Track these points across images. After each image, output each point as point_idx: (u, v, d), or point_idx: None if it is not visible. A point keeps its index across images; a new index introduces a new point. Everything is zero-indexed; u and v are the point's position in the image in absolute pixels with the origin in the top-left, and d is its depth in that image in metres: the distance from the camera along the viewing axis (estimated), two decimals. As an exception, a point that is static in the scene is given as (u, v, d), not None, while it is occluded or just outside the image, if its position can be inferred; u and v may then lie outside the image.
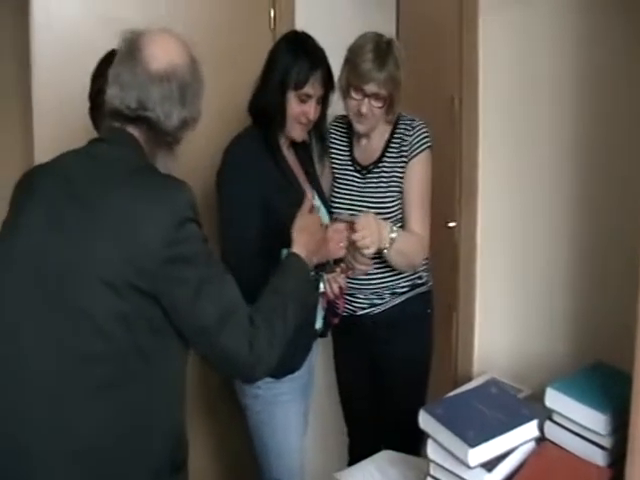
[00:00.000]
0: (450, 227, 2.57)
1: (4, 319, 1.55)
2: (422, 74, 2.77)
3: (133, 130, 1.63)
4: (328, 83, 2.21)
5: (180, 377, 1.65)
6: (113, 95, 1.62)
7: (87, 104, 2.18)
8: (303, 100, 2.17)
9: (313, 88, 2.16)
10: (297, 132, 2.23)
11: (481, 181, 2.19)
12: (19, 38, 2.52)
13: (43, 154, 2.45)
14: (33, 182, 1.65)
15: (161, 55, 1.61)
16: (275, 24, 2.85)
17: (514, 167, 2.11)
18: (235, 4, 2.77)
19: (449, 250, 2.46)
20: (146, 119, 1.61)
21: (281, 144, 2.24)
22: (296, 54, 2.16)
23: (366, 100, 2.27)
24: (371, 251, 2.15)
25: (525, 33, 2.06)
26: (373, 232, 2.13)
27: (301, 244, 1.86)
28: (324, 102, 2.25)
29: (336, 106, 2.37)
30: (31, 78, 2.48)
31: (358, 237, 2.12)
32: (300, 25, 2.82)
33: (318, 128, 2.30)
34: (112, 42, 2.48)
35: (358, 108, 2.29)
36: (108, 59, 2.09)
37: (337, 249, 2.11)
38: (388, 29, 3.11)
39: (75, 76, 2.49)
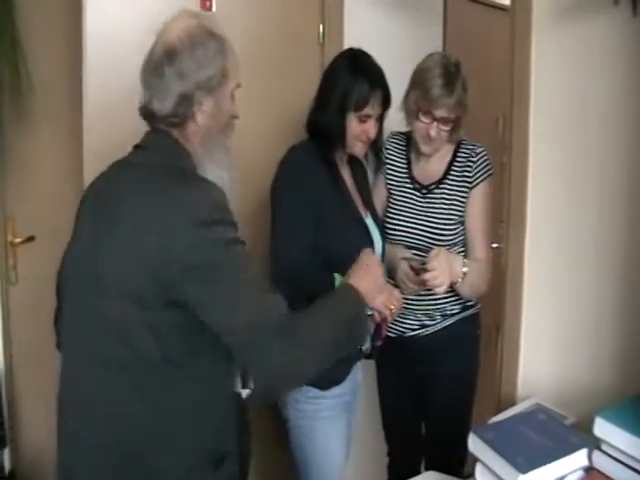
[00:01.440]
0: (493, 248, 2.57)
1: (64, 327, 1.69)
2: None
3: (163, 129, 1.65)
4: (387, 102, 2.22)
5: (217, 376, 1.64)
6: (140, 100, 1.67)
7: (138, 114, 2.20)
8: (363, 120, 2.18)
9: (373, 109, 2.18)
10: (358, 149, 2.25)
11: (530, 204, 2.17)
12: (71, 49, 2.57)
13: (92, 159, 2.52)
14: (85, 194, 1.72)
15: (158, 43, 1.63)
16: (324, 39, 2.87)
17: (565, 191, 2.09)
18: (285, 18, 2.80)
19: (495, 272, 2.45)
20: (152, 113, 1.63)
21: (337, 159, 2.26)
22: (355, 75, 2.17)
23: (435, 124, 2.29)
24: (443, 289, 2.16)
25: (578, 57, 2.04)
26: (444, 271, 2.14)
27: (361, 286, 1.76)
28: (382, 118, 2.26)
29: (390, 122, 2.38)
30: (82, 85, 2.50)
31: (429, 277, 2.13)
32: (348, 41, 2.85)
33: (375, 143, 2.31)
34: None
35: (427, 131, 2.31)
36: None
37: (389, 304, 2.00)
38: (435, 46, 3.14)
39: (125, 81, 2.53)
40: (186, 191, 1.51)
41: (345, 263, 1.86)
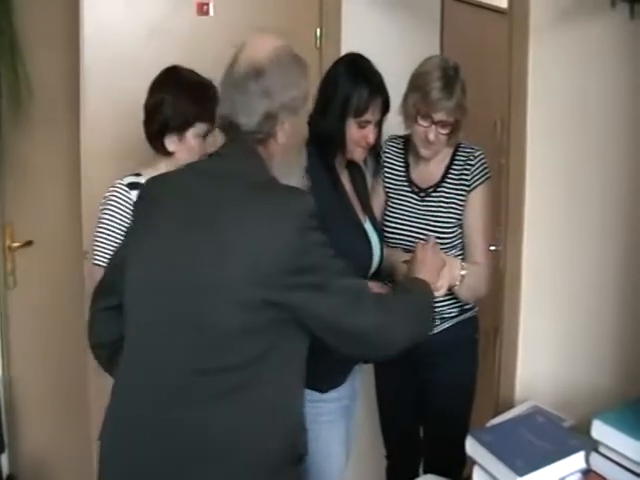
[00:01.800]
0: (492, 250, 2.57)
1: (139, 331, 1.64)
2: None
3: (247, 141, 1.67)
4: (386, 107, 2.22)
5: (301, 374, 1.67)
6: (218, 111, 1.70)
7: (135, 113, 2.22)
8: (362, 126, 2.18)
9: (372, 115, 2.18)
10: (358, 154, 2.25)
11: (528, 207, 2.18)
12: (69, 50, 2.57)
13: (90, 163, 2.52)
14: (159, 195, 1.70)
15: (243, 59, 1.66)
16: (321, 43, 2.88)
17: (562, 194, 2.10)
18: (281, 22, 2.80)
19: (494, 275, 2.45)
20: (236, 126, 1.65)
21: (337, 164, 2.25)
22: (355, 81, 2.16)
23: (433, 127, 2.29)
24: (442, 292, 2.16)
25: (576, 59, 2.05)
26: (444, 274, 2.14)
27: (429, 272, 1.98)
28: (380, 122, 2.26)
29: (389, 125, 2.38)
30: (80, 87, 2.51)
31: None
32: (346, 44, 2.85)
33: (374, 147, 2.30)
34: (159, 55, 2.56)
35: (426, 135, 2.31)
36: (167, 73, 2.19)
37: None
38: (432, 50, 3.13)
39: (122, 85, 2.55)
40: (287, 198, 1.58)
41: None
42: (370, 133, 2.20)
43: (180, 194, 1.66)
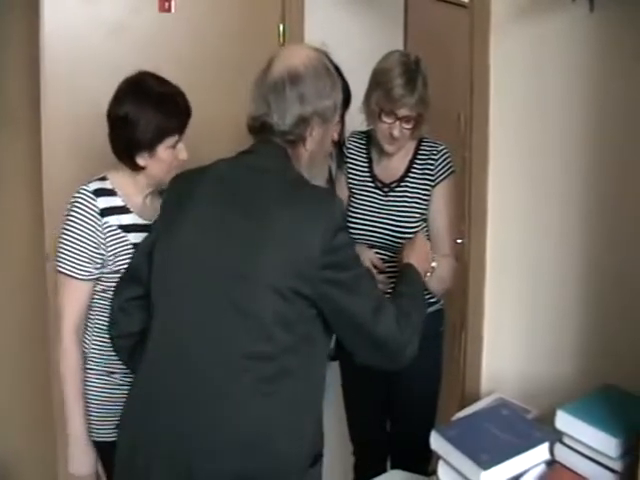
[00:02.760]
0: (458, 244, 2.58)
1: (173, 315, 1.68)
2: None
3: (278, 142, 1.74)
4: (348, 101, 2.21)
5: (323, 373, 1.75)
6: (249, 111, 1.77)
7: (97, 112, 2.18)
8: None
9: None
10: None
11: (491, 200, 2.18)
12: (29, 50, 2.54)
13: (52, 163, 2.49)
14: (191, 186, 1.76)
15: (279, 64, 1.74)
16: (284, 39, 2.87)
17: (525, 187, 2.10)
18: (245, 18, 2.78)
19: (458, 268, 2.45)
20: (269, 126, 1.72)
21: None
22: None
23: (397, 123, 2.29)
24: None
25: (537, 53, 2.05)
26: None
27: (418, 259, 2.07)
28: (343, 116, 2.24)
29: (353, 123, 2.37)
30: (40, 87, 2.48)
31: None
32: (309, 40, 2.84)
33: (337, 140, 2.29)
34: (121, 53, 2.53)
35: (390, 131, 2.31)
36: (133, 83, 2.08)
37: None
38: (396, 45, 3.14)
39: (84, 84, 2.52)
40: (324, 197, 1.69)
41: None
42: (335, 131, 2.19)
43: (218, 183, 1.73)
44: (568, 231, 1.99)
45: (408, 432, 2.43)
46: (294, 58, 1.74)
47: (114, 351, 1.94)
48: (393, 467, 2.38)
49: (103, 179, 2.11)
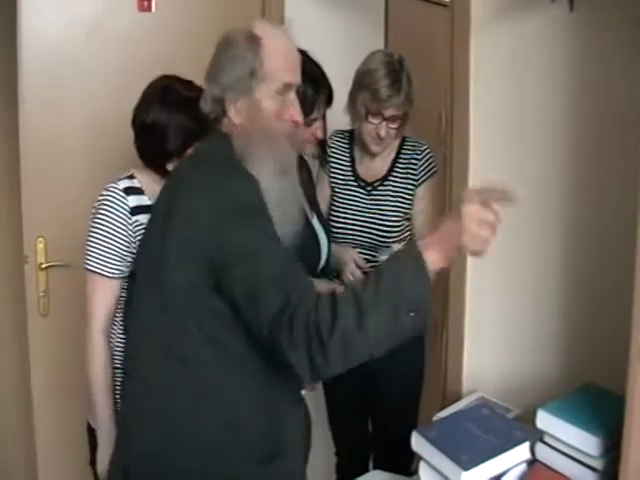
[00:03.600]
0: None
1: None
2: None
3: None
4: (330, 100, 2.19)
5: (263, 374, 1.61)
6: None
7: (76, 112, 2.15)
8: (309, 124, 2.14)
9: (318, 112, 2.15)
10: (309, 149, 2.22)
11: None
12: (6, 51, 2.52)
13: (30, 165, 2.47)
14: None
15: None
16: (265, 38, 2.85)
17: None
18: (225, 19, 2.76)
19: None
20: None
21: None
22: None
23: (384, 123, 2.28)
24: None
25: (517, 52, 2.05)
26: None
27: (447, 245, 1.44)
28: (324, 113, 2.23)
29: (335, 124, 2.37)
30: (18, 87, 2.45)
31: None
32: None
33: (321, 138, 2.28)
34: (100, 53, 2.51)
35: (376, 131, 2.29)
36: (160, 88, 2.04)
37: None
38: (377, 44, 3.13)
39: (62, 84, 2.50)
40: (227, 181, 1.54)
41: None
42: (318, 129, 2.18)
43: (167, 183, 1.74)
44: (549, 229, 1.99)
45: (390, 432, 2.43)
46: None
47: None
48: (375, 467, 2.38)
49: (131, 177, 2.06)
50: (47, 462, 2.63)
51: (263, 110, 1.65)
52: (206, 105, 1.69)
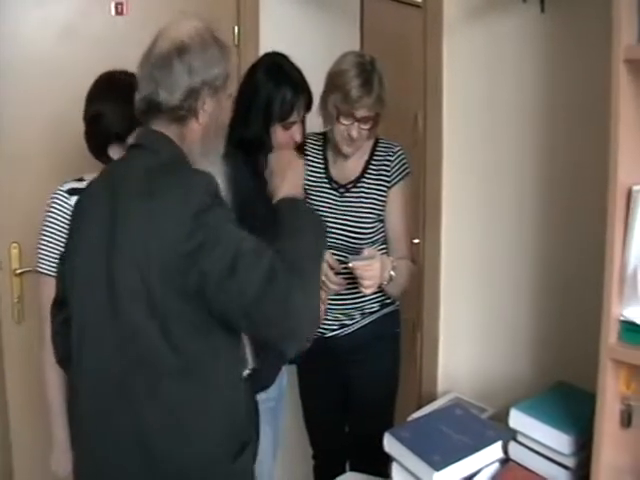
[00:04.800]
0: (415, 243, 2.57)
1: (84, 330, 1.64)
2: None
3: (158, 124, 1.64)
4: (310, 104, 2.22)
5: (231, 367, 1.65)
6: (136, 98, 1.66)
7: (51, 114, 2.14)
8: (288, 128, 2.16)
9: (298, 115, 2.17)
10: None
11: (445, 200, 2.19)
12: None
13: (2, 169, 2.45)
14: (86, 199, 1.72)
15: (164, 40, 1.63)
16: (239, 41, 2.84)
17: (479, 187, 2.11)
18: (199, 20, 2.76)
19: (415, 269, 2.45)
20: (157, 104, 1.61)
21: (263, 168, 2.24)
22: (278, 84, 2.14)
23: (356, 124, 2.27)
24: (369, 292, 2.18)
25: (489, 52, 2.06)
26: (375, 275, 2.14)
27: (290, 183, 1.80)
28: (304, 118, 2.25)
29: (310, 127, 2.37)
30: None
31: (367, 276, 2.14)
32: (265, 42, 2.82)
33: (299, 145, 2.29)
34: (74, 53, 2.50)
35: (348, 132, 2.29)
36: (103, 82, 2.09)
37: None
38: (352, 46, 3.13)
39: (37, 87, 2.48)
40: (182, 182, 1.52)
41: None
42: (297, 132, 2.19)
43: (101, 192, 1.65)
44: (521, 230, 2.00)
45: (366, 434, 2.42)
46: (180, 30, 1.64)
47: (65, 373, 1.91)
48: (352, 469, 2.37)
49: (80, 180, 2.09)
50: (23, 465, 2.61)
51: (222, 113, 1.71)
52: (173, 96, 1.60)
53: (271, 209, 2.09)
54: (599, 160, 1.40)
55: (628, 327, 1.37)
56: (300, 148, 2.30)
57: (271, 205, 2.03)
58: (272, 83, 2.15)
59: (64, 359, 1.79)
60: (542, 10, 1.90)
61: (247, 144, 2.13)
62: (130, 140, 1.76)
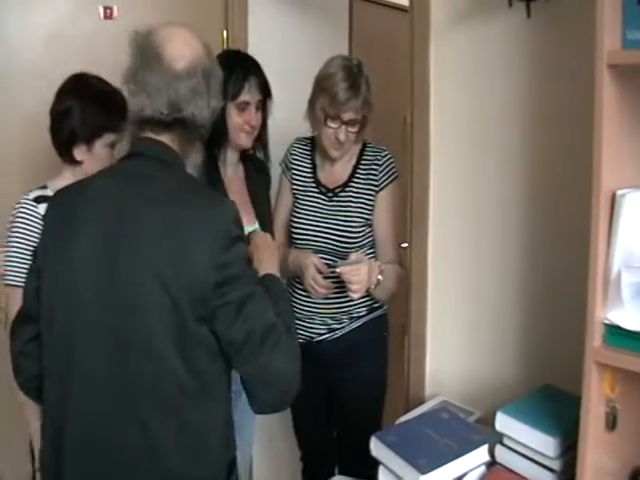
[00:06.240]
0: (403, 248, 2.58)
1: (73, 348, 1.53)
2: (374, 94, 2.78)
3: (166, 137, 1.60)
4: (265, 89, 2.25)
5: (227, 393, 1.63)
6: (141, 104, 1.57)
7: (37, 119, 2.12)
8: (242, 108, 2.21)
9: (250, 94, 2.21)
10: (243, 140, 2.26)
11: (432, 204, 2.19)
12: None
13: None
14: (77, 205, 1.60)
15: (183, 50, 1.58)
16: (228, 45, 2.84)
17: (466, 191, 2.11)
18: (190, 24, 2.75)
19: (404, 273, 2.46)
20: (180, 120, 1.57)
21: (223, 159, 2.27)
22: (231, 67, 2.17)
23: (343, 127, 2.28)
24: (357, 296, 2.18)
25: (476, 57, 2.07)
26: (363, 279, 2.14)
27: (269, 261, 1.81)
28: (263, 109, 2.27)
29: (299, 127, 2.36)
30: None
31: (355, 281, 2.17)
32: (253, 46, 2.82)
33: (260, 137, 2.32)
34: (60, 57, 2.50)
35: (335, 136, 2.30)
36: (75, 80, 2.11)
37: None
38: (340, 49, 3.13)
39: (23, 92, 2.48)
40: (215, 209, 1.52)
41: None
42: (251, 115, 2.23)
43: (102, 202, 1.56)
44: (509, 235, 2.01)
45: (354, 437, 2.41)
46: (194, 48, 1.62)
47: (25, 394, 1.79)
48: (341, 472, 2.37)
49: (43, 187, 2.10)
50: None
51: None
52: (203, 115, 1.59)
53: None
54: (584, 164, 1.40)
55: (612, 330, 1.37)
56: (260, 141, 2.33)
57: None
58: (226, 67, 2.17)
59: (29, 380, 1.70)
60: (528, 15, 1.91)
61: None
62: (126, 147, 1.72)
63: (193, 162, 1.66)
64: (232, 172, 2.32)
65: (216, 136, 2.16)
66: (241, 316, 1.46)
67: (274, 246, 1.93)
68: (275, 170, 2.53)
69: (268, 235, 1.96)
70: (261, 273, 1.71)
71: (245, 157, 2.36)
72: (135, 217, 1.50)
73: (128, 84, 1.60)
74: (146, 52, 1.59)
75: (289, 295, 1.84)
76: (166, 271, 1.45)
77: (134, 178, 1.58)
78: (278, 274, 1.79)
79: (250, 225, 2.26)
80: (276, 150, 2.48)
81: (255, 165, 2.39)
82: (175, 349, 1.46)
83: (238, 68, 2.20)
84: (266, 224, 2.35)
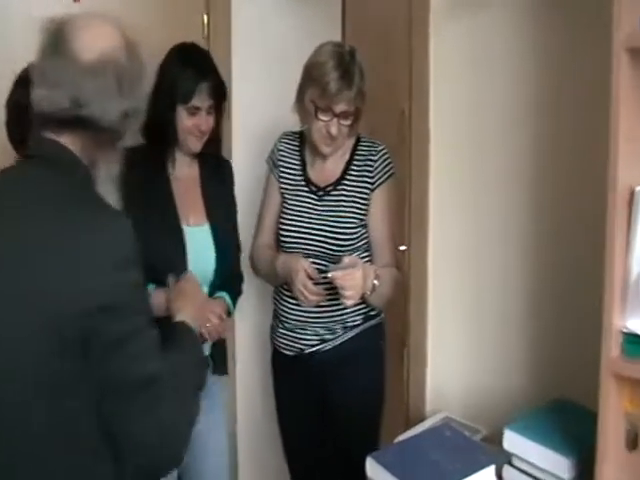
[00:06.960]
0: (401, 250, 2.56)
1: None
2: (370, 85, 2.76)
3: (67, 137, 1.51)
4: (218, 92, 2.23)
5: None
6: (41, 97, 1.49)
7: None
8: (192, 113, 2.19)
9: (200, 100, 2.19)
10: (192, 143, 2.25)
11: (432, 204, 2.18)
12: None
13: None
14: None
15: (92, 43, 1.50)
16: (209, 32, 2.80)
17: (468, 189, 2.11)
18: (164, 7, 2.72)
19: (400, 277, 2.43)
20: (81, 119, 1.48)
21: (177, 161, 2.28)
22: (183, 66, 2.18)
23: (335, 120, 2.24)
24: (352, 303, 2.15)
25: (476, 43, 2.08)
26: (357, 285, 2.11)
27: (190, 314, 1.84)
28: (217, 111, 2.26)
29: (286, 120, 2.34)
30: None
31: (347, 285, 2.12)
32: (237, 33, 2.79)
33: (214, 138, 2.30)
34: (32, 46, 2.47)
35: (327, 130, 2.26)
36: (25, 70, 2.06)
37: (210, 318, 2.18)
38: (333, 35, 3.10)
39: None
40: (101, 226, 1.43)
41: (153, 272, 1.90)
42: (201, 120, 2.21)
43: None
44: (515, 237, 2.01)
45: (349, 453, 2.38)
46: (105, 39, 1.52)
47: None
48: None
49: None
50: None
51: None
52: (109, 117, 1.48)
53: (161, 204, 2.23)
54: (596, 157, 1.39)
55: (632, 339, 1.34)
56: (215, 142, 2.33)
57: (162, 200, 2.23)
58: (179, 65, 2.21)
59: None
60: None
61: (153, 126, 2.10)
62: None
63: (107, 170, 1.58)
64: (186, 171, 2.31)
65: (165, 136, 2.20)
66: (119, 352, 1.38)
67: (202, 297, 2.05)
68: (262, 167, 2.50)
69: (195, 285, 2.04)
70: (176, 319, 1.77)
71: (202, 156, 2.34)
72: (11, 234, 1.45)
73: (33, 74, 1.53)
74: (54, 41, 1.51)
75: (200, 349, 1.80)
76: (37, 296, 1.38)
77: (22, 187, 1.52)
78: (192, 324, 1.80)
79: (198, 225, 2.28)
80: (262, 145, 2.45)
81: (211, 164, 2.36)
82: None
83: (190, 69, 2.19)
84: (224, 226, 2.35)
